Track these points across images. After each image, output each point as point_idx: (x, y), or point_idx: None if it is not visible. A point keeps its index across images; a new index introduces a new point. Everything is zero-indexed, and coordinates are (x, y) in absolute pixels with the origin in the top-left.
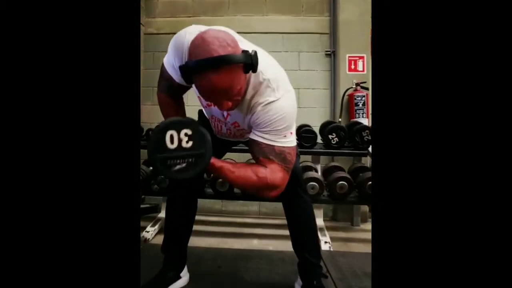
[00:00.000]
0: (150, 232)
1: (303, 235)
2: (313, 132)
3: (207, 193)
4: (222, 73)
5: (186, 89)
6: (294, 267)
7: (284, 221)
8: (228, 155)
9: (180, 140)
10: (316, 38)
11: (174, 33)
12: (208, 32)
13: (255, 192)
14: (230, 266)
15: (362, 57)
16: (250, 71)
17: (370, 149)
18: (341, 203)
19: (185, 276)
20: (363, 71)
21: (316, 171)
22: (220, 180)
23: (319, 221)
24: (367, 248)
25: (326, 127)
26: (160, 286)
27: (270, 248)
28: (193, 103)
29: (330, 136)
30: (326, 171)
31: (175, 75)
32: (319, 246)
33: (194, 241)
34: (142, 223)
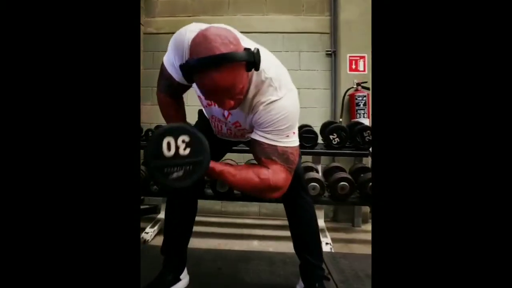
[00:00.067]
0: (150, 233)
1: (305, 237)
2: (314, 132)
3: (207, 194)
4: (224, 72)
5: (186, 88)
6: (295, 269)
7: (285, 222)
8: (229, 155)
9: (177, 148)
10: (317, 38)
11: (174, 33)
12: (209, 29)
13: (257, 194)
14: (231, 267)
15: (363, 57)
16: (253, 69)
17: (371, 149)
18: (342, 204)
19: (185, 278)
20: (364, 71)
21: (317, 171)
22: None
23: (320, 222)
24: (369, 250)
25: (327, 127)
26: None
27: (271, 249)
28: (193, 103)
29: (331, 137)
30: (327, 172)
31: (175, 74)
32: (321, 248)
33: (194, 242)
34: (142, 224)
